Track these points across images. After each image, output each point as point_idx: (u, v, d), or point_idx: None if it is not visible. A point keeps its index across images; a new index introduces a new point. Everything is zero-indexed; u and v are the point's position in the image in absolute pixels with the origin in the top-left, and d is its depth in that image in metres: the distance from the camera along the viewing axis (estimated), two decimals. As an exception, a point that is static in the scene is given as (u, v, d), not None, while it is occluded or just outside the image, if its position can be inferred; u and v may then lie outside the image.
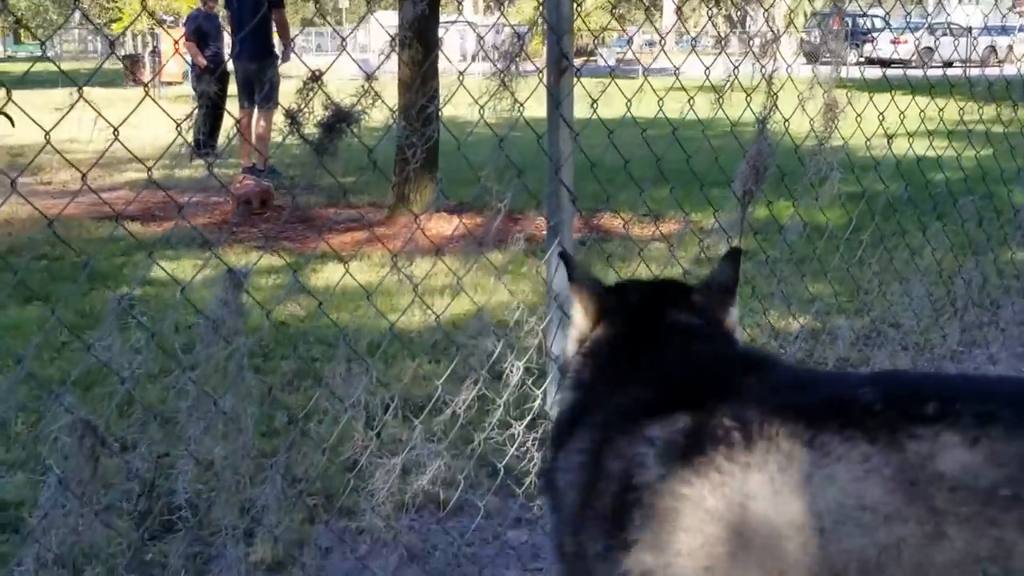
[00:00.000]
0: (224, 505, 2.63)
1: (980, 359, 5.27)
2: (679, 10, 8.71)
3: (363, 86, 2.56)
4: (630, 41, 6.70)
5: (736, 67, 3.61)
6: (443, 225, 7.60)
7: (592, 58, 22.88)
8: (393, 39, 2.77)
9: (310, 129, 2.55)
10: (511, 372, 3.19)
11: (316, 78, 2.55)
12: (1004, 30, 30.59)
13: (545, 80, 3.09)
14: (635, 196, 3.81)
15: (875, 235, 5.01)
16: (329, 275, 6.79)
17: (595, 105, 3.10)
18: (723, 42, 3.97)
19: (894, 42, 27.82)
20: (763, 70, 3.62)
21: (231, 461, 2.53)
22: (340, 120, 2.56)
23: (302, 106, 2.51)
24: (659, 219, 7.62)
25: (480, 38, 3.15)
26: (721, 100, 3.46)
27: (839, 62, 3.80)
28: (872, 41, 34.27)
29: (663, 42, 4.39)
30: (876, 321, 5.45)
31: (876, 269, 5.65)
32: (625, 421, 1.70)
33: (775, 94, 3.60)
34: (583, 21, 3.34)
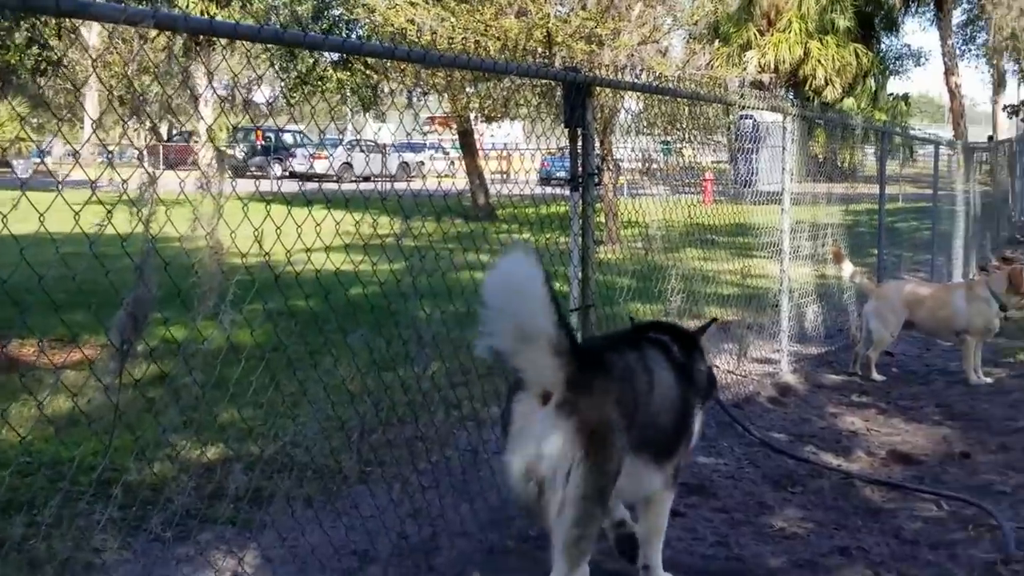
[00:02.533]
0: None
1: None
2: (96, 122, 8.40)
3: None
4: (42, 154, 6.31)
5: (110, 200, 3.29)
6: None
7: (7, 170, 21.40)
8: None
9: None
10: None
11: None
12: (411, 147, 33.16)
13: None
14: (51, 320, 3.46)
15: (297, 352, 4.95)
16: None
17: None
18: (146, 154, 3.74)
19: (314, 157, 28.93)
20: (139, 213, 3.21)
21: None
22: None
23: None
24: (76, 343, 7.19)
25: None
26: (108, 219, 3.12)
27: (240, 175, 3.70)
28: (293, 156, 35.40)
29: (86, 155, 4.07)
30: (288, 445, 5.42)
31: (292, 390, 5.62)
32: None
33: (153, 237, 3.24)
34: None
